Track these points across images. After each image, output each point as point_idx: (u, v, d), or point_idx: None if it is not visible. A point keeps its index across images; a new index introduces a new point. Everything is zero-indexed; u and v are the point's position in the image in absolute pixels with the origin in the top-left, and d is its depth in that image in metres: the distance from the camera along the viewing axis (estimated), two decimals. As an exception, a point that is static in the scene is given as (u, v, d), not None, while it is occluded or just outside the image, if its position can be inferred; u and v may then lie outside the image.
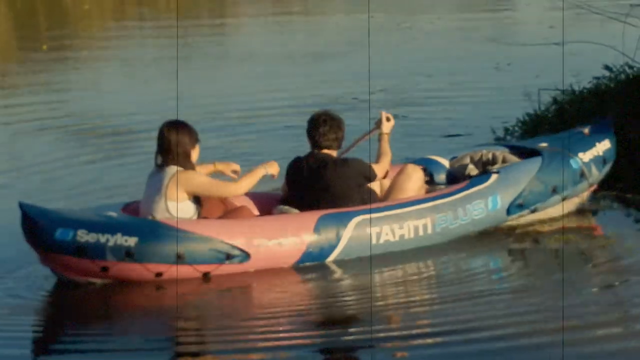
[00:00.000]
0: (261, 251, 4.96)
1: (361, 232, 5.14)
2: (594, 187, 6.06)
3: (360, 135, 5.78)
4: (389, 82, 10.72)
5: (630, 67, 7.64)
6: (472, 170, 5.83)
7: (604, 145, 6.00)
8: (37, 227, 4.73)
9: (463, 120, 9.02)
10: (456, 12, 20.72)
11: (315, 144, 5.30)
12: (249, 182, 5.12)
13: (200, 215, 5.05)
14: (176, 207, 4.85)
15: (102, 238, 4.70)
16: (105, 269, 4.78)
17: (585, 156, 5.86)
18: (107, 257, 4.72)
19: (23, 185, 7.20)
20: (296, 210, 5.22)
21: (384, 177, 5.48)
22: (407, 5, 21.90)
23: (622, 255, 5.49)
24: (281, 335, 4.50)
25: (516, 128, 7.80)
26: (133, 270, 4.80)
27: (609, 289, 4.88)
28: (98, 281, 4.92)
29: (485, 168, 5.75)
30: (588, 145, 5.94)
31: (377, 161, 5.44)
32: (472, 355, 4.08)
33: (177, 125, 4.99)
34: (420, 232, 5.32)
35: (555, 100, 7.93)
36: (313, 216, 5.10)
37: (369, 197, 5.31)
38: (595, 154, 5.93)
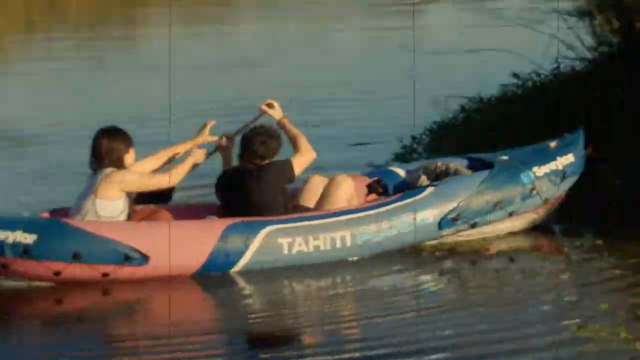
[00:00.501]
0: (160, 255, 4.92)
1: (271, 242, 5.06)
2: (554, 202, 5.82)
3: (241, 126, 5.63)
4: (299, 90, 10.76)
5: (538, 74, 7.81)
6: (424, 181, 5.68)
7: (566, 160, 5.79)
8: None
9: (372, 129, 9.10)
10: (368, 19, 20.96)
11: (249, 155, 5.29)
12: (179, 172, 5.21)
13: (131, 216, 5.16)
14: (105, 205, 4.99)
15: (2, 235, 4.84)
16: (4, 266, 4.93)
17: (540, 170, 5.66)
18: (5, 253, 4.87)
19: None
20: None
21: (311, 157, 5.40)
22: (319, 13, 22.03)
23: (559, 274, 5.41)
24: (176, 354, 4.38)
25: (424, 136, 7.93)
26: (31, 268, 4.93)
27: (538, 306, 4.77)
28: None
29: (437, 179, 5.65)
30: (547, 159, 5.76)
31: (294, 149, 5.38)
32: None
33: (110, 131, 5.20)
34: (338, 245, 5.19)
35: (463, 108, 7.91)
36: (221, 224, 5.06)
37: (288, 203, 5.35)
38: (554, 168, 5.73)
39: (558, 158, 5.77)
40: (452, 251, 5.52)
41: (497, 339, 4.19)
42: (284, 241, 5.03)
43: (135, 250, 4.85)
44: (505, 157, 5.77)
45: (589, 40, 7.69)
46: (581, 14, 7.75)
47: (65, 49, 17.45)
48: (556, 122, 6.64)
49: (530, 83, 7.79)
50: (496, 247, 5.65)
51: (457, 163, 5.85)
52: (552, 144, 5.85)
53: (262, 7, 23.58)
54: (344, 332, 4.50)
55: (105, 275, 4.90)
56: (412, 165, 6.04)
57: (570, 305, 4.81)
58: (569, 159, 5.81)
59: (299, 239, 5.06)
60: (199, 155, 5.32)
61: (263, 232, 5.00)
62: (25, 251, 4.81)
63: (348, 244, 5.17)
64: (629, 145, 6.48)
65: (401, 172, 5.90)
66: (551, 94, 7.35)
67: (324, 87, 11.45)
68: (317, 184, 5.50)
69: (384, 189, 5.66)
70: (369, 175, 5.88)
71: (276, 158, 5.30)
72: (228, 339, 4.50)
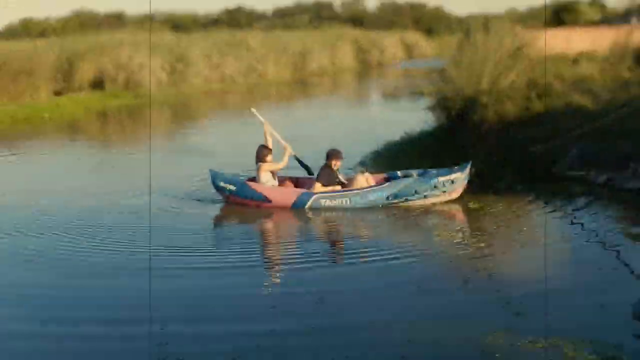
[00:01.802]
0: (276, 199, 10.87)
1: (316, 201, 10.75)
2: (452, 193, 10.65)
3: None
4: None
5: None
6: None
7: (455, 176, 10.62)
8: None
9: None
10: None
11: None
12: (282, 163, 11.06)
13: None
14: (261, 177, 11.02)
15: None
16: (227, 199, 11.00)
17: (442, 179, 10.53)
18: (223, 192, 11.01)
19: None
20: None
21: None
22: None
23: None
24: None
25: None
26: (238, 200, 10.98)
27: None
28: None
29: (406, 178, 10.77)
30: (447, 174, 10.59)
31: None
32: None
33: (260, 147, 10.99)
34: (348, 204, 10.52)
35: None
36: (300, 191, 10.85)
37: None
38: (448, 178, 10.56)
39: (452, 174, 10.58)
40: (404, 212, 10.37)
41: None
42: (324, 200, 10.44)
43: (265, 197, 10.54)
44: (434, 171, 10.68)
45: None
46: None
47: None
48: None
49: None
50: (470, 210, 10.32)
51: (414, 172, 10.84)
52: (456, 168, 10.71)
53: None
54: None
55: (261, 203, 10.65)
56: (401, 172, 10.90)
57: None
58: (458, 176, 10.60)
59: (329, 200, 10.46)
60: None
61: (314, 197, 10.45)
62: (231, 192, 10.78)
63: (351, 203, 10.40)
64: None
65: (400, 173, 10.90)
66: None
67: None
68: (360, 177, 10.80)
69: (387, 181, 10.70)
70: (387, 174, 11.09)
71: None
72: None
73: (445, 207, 10.41)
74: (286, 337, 6.03)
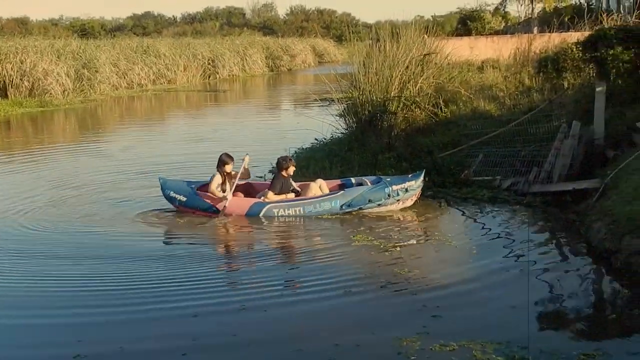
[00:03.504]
0: (230, 209, 10.57)
1: (269, 210, 10.56)
2: (407, 201, 10.62)
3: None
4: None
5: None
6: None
7: (409, 184, 10.57)
8: None
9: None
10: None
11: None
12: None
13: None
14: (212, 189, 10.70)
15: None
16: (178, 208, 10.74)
17: (395, 187, 10.49)
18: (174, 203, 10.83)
19: None
20: None
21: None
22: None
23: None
24: None
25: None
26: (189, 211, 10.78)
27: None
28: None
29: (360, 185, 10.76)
30: (401, 182, 10.57)
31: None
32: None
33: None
34: (299, 212, 10.39)
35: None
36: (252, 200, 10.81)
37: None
38: (402, 187, 10.52)
39: (406, 182, 10.56)
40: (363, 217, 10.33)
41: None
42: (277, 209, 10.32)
43: (216, 208, 10.40)
44: (389, 179, 10.65)
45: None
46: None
47: None
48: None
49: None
50: (384, 216, 10.36)
51: (368, 179, 10.86)
52: (410, 176, 10.74)
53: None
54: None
55: (212, 214, 10.43)
56: (355, 179, 10.94)
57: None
58: (411, 184, 10.56)
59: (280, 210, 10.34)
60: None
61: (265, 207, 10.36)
62: (181, 203, 10.69)
63: (304, 212, 10.31)
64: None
65: (353, 180, 10.96)
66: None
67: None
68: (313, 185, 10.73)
69: (341, 188, 10.71)
70: (342, 181, 11.08)
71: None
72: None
73: (362, 213, 10.37)
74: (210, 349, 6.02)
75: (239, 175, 10.64)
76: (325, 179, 11.06)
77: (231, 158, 10.64)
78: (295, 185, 10.77)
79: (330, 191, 10.63)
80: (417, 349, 5.75)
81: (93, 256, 8.68)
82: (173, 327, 6.50)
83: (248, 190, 11.00)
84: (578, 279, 7.41)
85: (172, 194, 10.72)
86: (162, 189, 10.85)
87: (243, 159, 10.72)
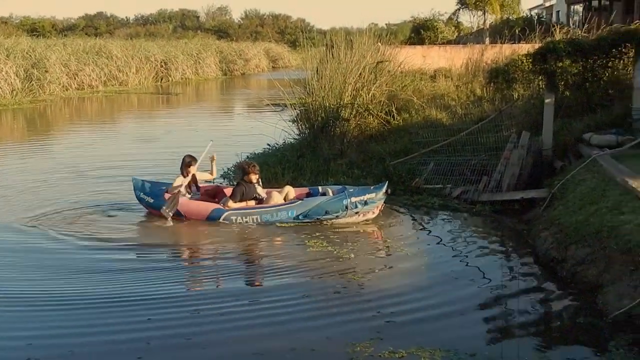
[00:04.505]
0: (189, 213, 10.56)
1: (228, 216, 10.50)
2: (368, 213, 10.35)
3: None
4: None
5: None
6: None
7: (369, 196, 10.33)
8: None
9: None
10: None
11: None
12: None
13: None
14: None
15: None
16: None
17: (354, 199, 10.26)
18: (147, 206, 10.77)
19: None
20: None
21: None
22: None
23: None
24: None
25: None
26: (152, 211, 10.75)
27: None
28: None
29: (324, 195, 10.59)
30: (361, 194, 10.35)
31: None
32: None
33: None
34: (258, 220, 10.37)
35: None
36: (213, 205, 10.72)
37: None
38: (361, 199, 10.28)
39: (367, 194, 10.31)
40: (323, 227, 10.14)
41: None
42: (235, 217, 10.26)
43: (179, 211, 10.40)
44: (351, 189, 10.46)
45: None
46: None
47: None
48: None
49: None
50: (339, 223, 10.26)
51: (333, 189, 10.71)
52: (371, 188, 10.53)
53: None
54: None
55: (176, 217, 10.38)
56: (322, 188, 10.79)
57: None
58: (371, 196, 10.32)
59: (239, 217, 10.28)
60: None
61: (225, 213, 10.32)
62: (148, 204, 10.85)
63: (261, 220, 10.28)
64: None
65: (320, 188, 10.85)
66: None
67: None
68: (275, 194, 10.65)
69: (309, 196, 10.62)
70: (310, 189, 10.98)
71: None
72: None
73: (316, 221, 10.27)
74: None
75: (201, 158, 10.91)
76: (293, 185, 11.13)
77: (195, 159, 10.77)
78: (262, 191, 10.72)
79: (296, 199, 10.57)
80: (367, 355, 5.77)
81: (35, 260, 8.55)
82: (127, 331, 6.41)
83: (217, 194, 11.00)
84: (525, 288, 7.51)
85: (142, 195, 10.84)
86: (134, 189, 10.95)
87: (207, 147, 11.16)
